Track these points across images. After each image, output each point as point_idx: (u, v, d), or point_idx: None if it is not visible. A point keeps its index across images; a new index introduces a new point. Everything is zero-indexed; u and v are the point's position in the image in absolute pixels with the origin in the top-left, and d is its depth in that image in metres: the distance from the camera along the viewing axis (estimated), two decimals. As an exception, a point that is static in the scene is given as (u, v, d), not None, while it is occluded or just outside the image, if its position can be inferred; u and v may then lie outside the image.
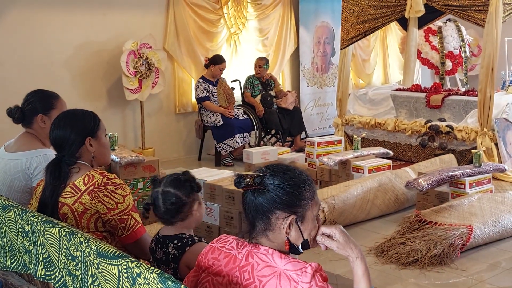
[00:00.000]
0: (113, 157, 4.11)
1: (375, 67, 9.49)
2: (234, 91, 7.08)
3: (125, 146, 5.79)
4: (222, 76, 6.95)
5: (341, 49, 6.91)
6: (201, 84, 6.71)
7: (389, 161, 5.14)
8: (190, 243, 2.02)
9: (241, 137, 6.66)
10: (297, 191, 1.53)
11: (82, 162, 2.20)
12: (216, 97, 6.76)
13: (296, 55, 8.56)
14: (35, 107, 2.67)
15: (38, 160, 2.56)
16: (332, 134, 7.26)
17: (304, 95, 8.53)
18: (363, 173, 4.90)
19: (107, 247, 1.57)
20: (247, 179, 1.52)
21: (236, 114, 6.73)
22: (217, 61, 6.75)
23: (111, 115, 6.53)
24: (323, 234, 1.58)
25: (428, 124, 6.23)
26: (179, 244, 2.02)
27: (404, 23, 7.34)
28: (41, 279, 1.89)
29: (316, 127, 8.65)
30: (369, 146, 6.64)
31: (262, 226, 1.53)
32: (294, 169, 1.58)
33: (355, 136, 5.51)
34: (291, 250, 1.55)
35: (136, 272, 1.44)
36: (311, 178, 1.60)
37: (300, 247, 1.55)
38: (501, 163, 5.45)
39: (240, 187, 1.54)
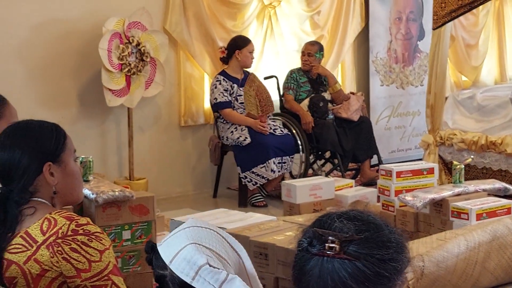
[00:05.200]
0: (86, 192, 4.14)
1: (485, 57, 9.39)
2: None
3: (105, 175, 5.82)
4: (250, 69, 7.00)
5: (433, 29, 6.87)
6: (220, 83, 6.76)
7: (510, 202, 5.05)
8: None
9: (279, 162, 6.65)
10: (396, 263, 1.56)
11: (39, 199, 2.21)
12: (241, 103, 6.79)
13: (363, 38, 8.52)
14: (-30, 117, 2.72)
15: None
16: (420, 159, 7.19)
17: (376, 99, 8.49)
18: (468, 219, 4.82)
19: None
20: (331, 244, 1.53)
21: (271, 128, 6.74)
22: (241, 43, 6.82)
23: (84, 130, 6.60)
24: None
25: None
26: None
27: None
28: None
29: (395, 149, 8.57)
30: (478, 178, 6.54)
31: None
32: (386, 225, 1.60)
33: (455, 163, 5.43)
34: None
35: None
36: (406, 238, 1.63)
37: None
38: None
39: (315, 250, 1.55)
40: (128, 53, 6.37)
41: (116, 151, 6.86)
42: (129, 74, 6.41)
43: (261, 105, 6.76)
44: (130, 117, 6.65)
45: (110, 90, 6.34)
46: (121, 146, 6.85)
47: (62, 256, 2.09)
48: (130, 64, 6.39)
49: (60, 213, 2.17)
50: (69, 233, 2.10)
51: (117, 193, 4.18)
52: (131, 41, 6.39)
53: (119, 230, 4.15)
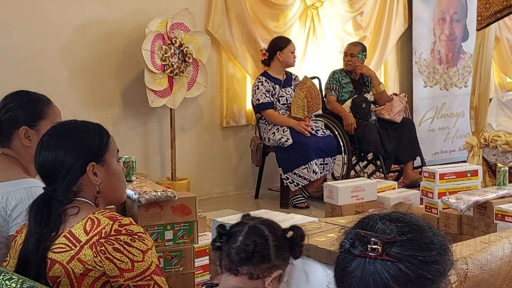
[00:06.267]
0: (129, 192, 4.16)
1: (531, 58, 9.29)
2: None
3: (147, 175, 5.85)
4: (292, 70, 7.01)
5: (477, 30, 6.80)
6: (262, 84, 6.76)
7: (555, 205, 4.98)
8: None
9: (321, 164, 6.63)
10: (440, 265, 1.56)
11: (83, 199, 2.23)
12: (283, 104, 6.78)
13: (407, 39, 8.47)
14: (15, 117, 2.75)
15: (18, 196, 2.62)
16: (464, 161, 7.12)
17: (420, 100, 8.43)
18: (512, 222, 4.77)
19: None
20: (373, 245, 1.53)
21: (313, 129, 6.72)
22: (281, 43, 6.84)
23: (127, 130, 6.66)
24: None
25: None
26: None
27: None
28: None
29: (439, 150, 8.50)
30: (523, 180, 6.47)
31: None
32: (429, 227, 1.60)
33: (499, 165, 5.37)
34: None
35: None
36: (450, 240, 1.63)
37: None
38: None
39: (357, 252, 1.54)
40: (171, 54, 6.41)
41: (159, 152, 6.91)
42: (171, 75, 6.44)
43: (308, 105, 6.75)
44: (172, 118, 6.68)
45: (152, 90, 6.38)
46: (163, 146, 6.89)
47: (105, 256, 2.10)
48: (172, 65, 6.42)
49: (103, 213, 2.19)
50: (112, 233, 2.12)
51: (159, 193, 4.20)
52: (174, 42, 6.42)
53: (161, 230, 4.17)
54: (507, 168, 5.29)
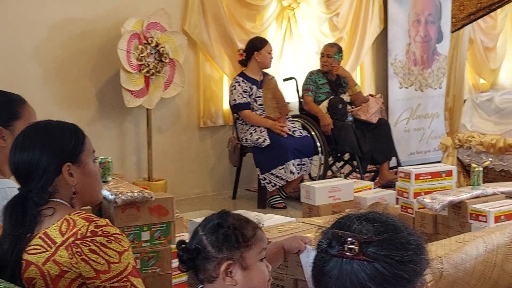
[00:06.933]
0: (105, 193, 4.14)
1: (503, 60, 9.35)
2: (286, 95, 7.09)
3: (124, 176, 5.83)
4: (268, 71, 7.01)
5: (452, 31, 6.84)
6: (239, 85, 6.76)
7: (529, 204, 5.02)
8: None
9: (298, 164, 6.64)
10: (415, 264, 1.56)
11: (58, 200, 2.22)
12: (261, 104, 6.78)
13: (382, 40, 8.50)
14: (-11, 117, 2.73)
15: (-8, 197, 2.60)
16: (439, 162, 7.16)
17: (395, 101, 8.47)
18: (486, 222, 4.79)
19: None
20: (350, 245, 1.53)
21: (290, 130, 6.72)
22: (259, 44, 6.85)
23: (103, 130, 6.62)
24: None
25: None
26: None
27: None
28: None
29: (414, 151, 8.54)
30: (496, 180, 6.50)
31: None
32: (405, 227, 1.61)
33: (474, 165, 5.41)
34: None
35: None
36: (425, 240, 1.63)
37: None
38: None
39: (334, 252, 1.55)
40: (147, 53, 6.39)
41: (135, 152, 6.88)
42: (148, 75, 6.42)
43: (278, 106, 6.77)
44: (149, 118, 6.66)
45: (128, 90, 6.35)
46: (140, 147, 6.86)
47: (81, 257, 2.08)
48: (149, 65, 6.40)
49: (79, 214, 2.17)
50: (88, 234, 2.10)
51: (136, 194, 4.18)
52: (150, 42, 6.40)
53: (138, 231, 4.15)
54: (481, 169, 5.33)
